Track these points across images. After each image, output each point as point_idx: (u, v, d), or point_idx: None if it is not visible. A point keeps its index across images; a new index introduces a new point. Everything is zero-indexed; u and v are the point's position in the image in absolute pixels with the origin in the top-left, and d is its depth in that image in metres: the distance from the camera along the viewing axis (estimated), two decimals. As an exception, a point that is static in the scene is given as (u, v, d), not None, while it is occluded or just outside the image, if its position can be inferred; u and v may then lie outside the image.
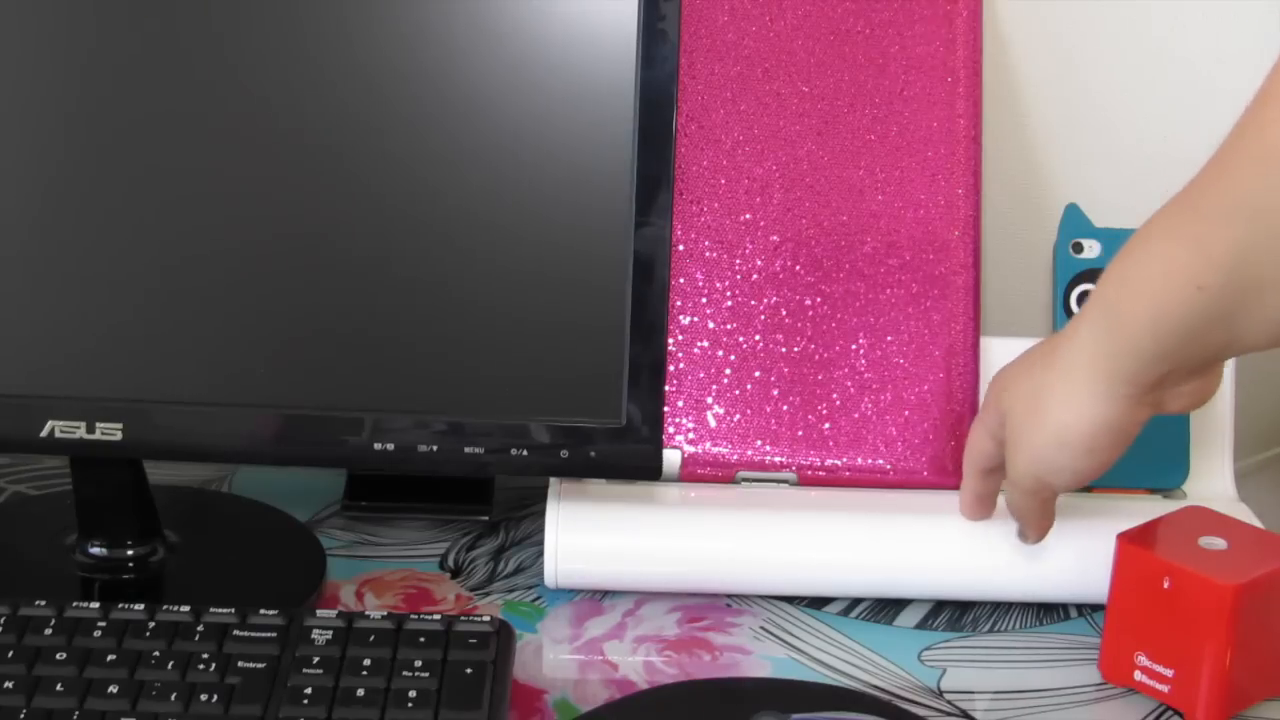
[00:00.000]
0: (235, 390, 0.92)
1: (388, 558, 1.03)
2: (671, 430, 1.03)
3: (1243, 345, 0.82)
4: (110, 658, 0.83)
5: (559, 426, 0.92)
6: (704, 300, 1.04)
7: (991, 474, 0.96)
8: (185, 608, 0.86)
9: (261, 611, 0.86)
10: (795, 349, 1.04)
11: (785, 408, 1.03)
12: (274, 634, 0.85)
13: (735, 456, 1.03)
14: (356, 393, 0.92)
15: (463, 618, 0.87)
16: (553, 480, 1.00)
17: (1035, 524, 0.94)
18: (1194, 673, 0.88)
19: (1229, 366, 1.04)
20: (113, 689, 0.82)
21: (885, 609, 0.99)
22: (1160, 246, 0.82)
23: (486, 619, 0.87)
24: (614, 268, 0.91)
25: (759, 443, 1.03)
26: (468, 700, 0.82)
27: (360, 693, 0.82)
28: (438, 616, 0.87)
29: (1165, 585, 0.88)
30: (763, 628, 0.97)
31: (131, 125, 0.90)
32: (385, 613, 0.87)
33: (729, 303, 1.04)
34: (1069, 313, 1.07)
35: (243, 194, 0.91)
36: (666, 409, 1.00)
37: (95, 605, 0.86)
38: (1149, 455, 1.03)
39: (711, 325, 1.04)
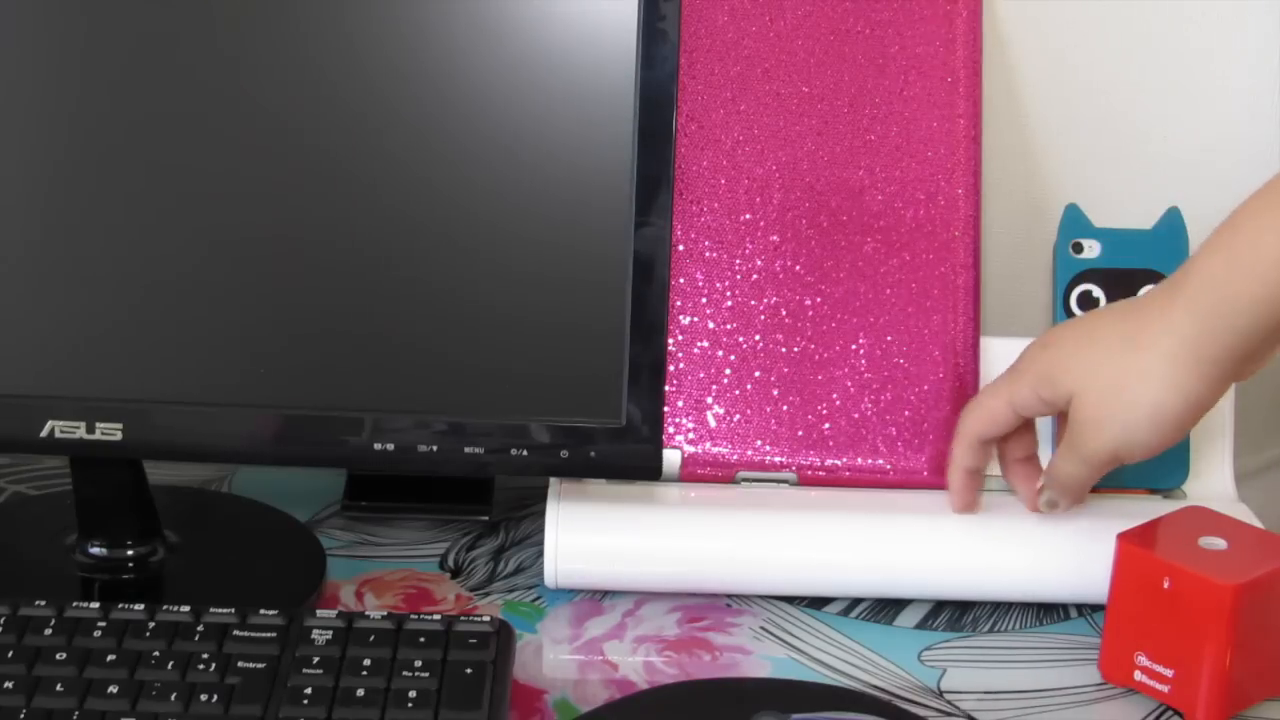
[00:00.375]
0: (235, 390, 0.92)
1: (388, 558, 1.03)
2: (671, 430, 1.03)
3: None
4: (110, 658, 0.83)
5: (559, 426, 0.92)
6: (704, 300, 1.04)
7: (987, 445, 0.97)
8: (185, 608, 0.86)
9: (261, 611, 0.86)
10: (795, 349, 1.04)
11: (785, 408, 1.03)
12: (274, 634, 0.85)
13: (735, 456, 1.03)
14: (356, 393, 0.92)
15: (463, 618, 0.87)
16: (553, 480, 1.00)
17: (1079, 496, 0.96)
18: (1194, 673, 0.88)
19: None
20: (113, 689, 0.82)
21: (885, 609, 0.99)
22: (1273, 221, 0.84)
23: (486, 619, 0.87)
24: (614, 268, 0.91)
25: (759, 443, 1.03)
26: (468, 700, 0.82)
27: (360, 693, 0.82)
28: (438, 616, 0.87)
29: (1165, 585, 0.88)
30: (763, 628, 0.97)
31: (132, 126, 0.90)
32: (385, 613, 0.87)
33: (729, 303, 1.04)
34: (1069, 313, 1.07)
35: (242, 194, 0.90)
36: (666, 409, 1.00)
37: (95, 605, 0.86)
38: (1149, 455, 1.03)
39: (711, 325, 1.04)
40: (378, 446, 0.92)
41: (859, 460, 1.03)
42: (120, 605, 0.86)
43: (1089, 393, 0.91)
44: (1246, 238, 0.86)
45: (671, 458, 1.02)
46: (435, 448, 0.91)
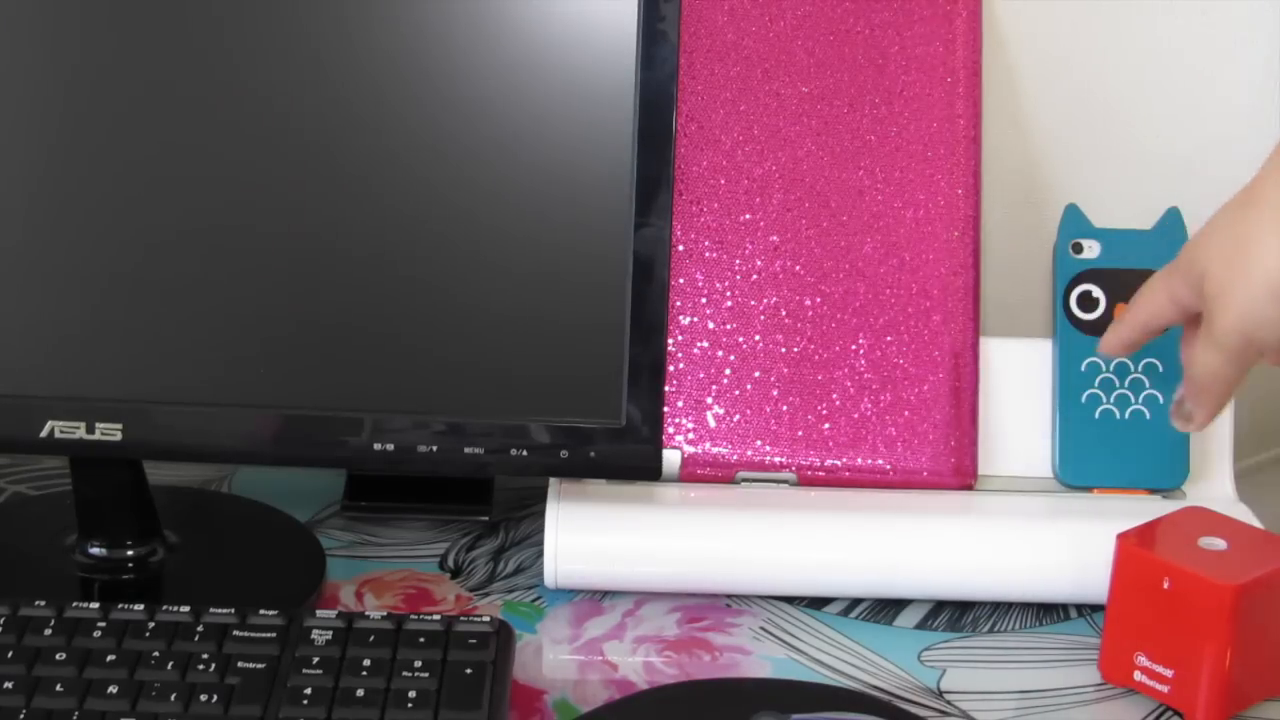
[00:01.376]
0: (235, 390, 0.92)
1: (388, 558, 1.03)
2: (671, 430, 1.03)
3: None
4: (110, 658, 0.83)
5: (559, 426, 0.92)
6: (704, 300, 1.04)
7: (1150, 333, 0.94)
8: (185, 608, 0.86)
9: (261, 612, 0.86)
10: (795, 349, 1.04)
11: (785, 408, 1.03)
12: (274, 634, 0.85)
13: (735, 456, 1.03)
14: (356, 393, 0.92)
15: (462, 618, 0.87)
16: (553, 480, 1.00)
17: (1218, 399, 0.90)
18: (1194, 673, 0.88)
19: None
20: (112, 689, 0.82)
21: (885, 609, 0.99)
22: None
23: (486, 619, 0.87)
24: (614, 268, 0.91)
25: (759, 443, 1.03)
26: (468, 700, 0.82)
27: (360, 693, 0.82)
28: (437, 617, 0.87)
29: (1165, 585, 0.88)
30: (763, 628, 0.97)
31: (131, 125, 0.90)
32: (385, 613, 0.87)
33: (729, 303, 1.04)
34: (1069, 313, 1.06)
35: (244, 194, 0.90)
36: (666, 409, 1.00)
37: (95, 605, 0.86)
38: (1149, 455, 1.03)
39: (711, 325, 1.04)
40: (378, 446, 0.92)
41: (859, 460, 1.03)
42: (120, 605, 0.86)
43: (1212, 263, 0.85)
44: None
45: (671, 458, 1.02)
46: (435, 448, 0.91)
